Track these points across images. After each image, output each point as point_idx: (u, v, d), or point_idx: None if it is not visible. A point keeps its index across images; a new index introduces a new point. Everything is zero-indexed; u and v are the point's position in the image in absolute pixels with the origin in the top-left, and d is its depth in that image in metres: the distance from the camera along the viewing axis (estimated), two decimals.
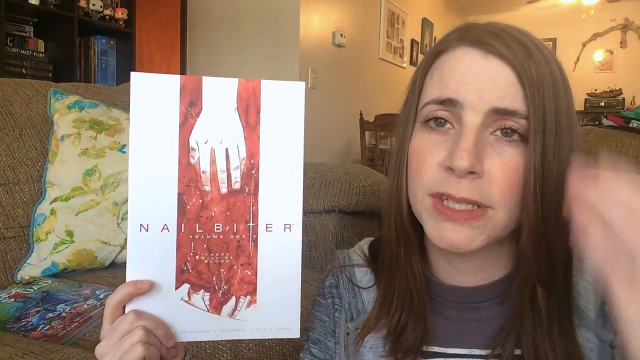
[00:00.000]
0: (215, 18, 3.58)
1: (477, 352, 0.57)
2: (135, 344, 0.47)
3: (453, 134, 0.52)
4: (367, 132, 3.82)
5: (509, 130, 0.51)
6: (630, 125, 1.74)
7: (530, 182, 0.50)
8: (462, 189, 0.49)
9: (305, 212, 1.24)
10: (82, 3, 2.83)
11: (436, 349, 0.58)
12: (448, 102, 0.52)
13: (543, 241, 0.52)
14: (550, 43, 6.81)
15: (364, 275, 0.65)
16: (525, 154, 0.51)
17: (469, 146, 0.49)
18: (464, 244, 0.51)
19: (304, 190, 0.52)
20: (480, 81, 0.51)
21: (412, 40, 5.27)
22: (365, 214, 1.29)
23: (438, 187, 0.51)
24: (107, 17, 2.99)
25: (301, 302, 0.54)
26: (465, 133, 0.50)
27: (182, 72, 3.56)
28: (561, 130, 0.52)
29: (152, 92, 0.50)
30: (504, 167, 0.50)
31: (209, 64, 3.61)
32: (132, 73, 0.49)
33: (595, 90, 6.49)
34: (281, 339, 0.91)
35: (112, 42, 3.05)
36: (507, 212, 0.51)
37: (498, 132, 0.51)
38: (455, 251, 0.52)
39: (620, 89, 6.33)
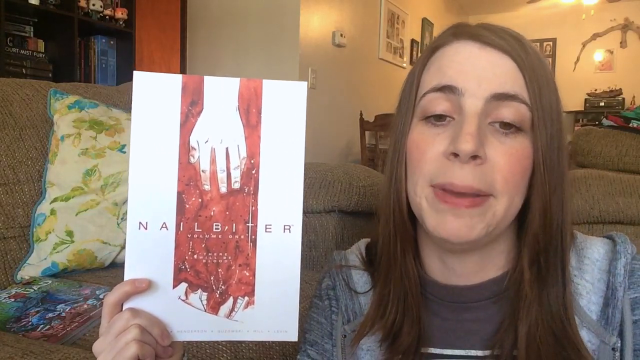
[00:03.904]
0: (215, 18, 3.58)
1: (473, 352, 0.57)
2: (129, 342, 0.47)
3: (453, 124, 0.52)
4: (367, 132, 3.82)
5: (507, 124, 0.51)
6: (630, 125, 1.73)
7: (540, 167, 0.51)
8: (466, 177, 0.49)
9: (305, 212, 1.24)
10: (82, 3, 2.83)
11: (432, 351, 0.58)
12: (447, 89, 0.52)
13: (552, 225, 0.53)
14: (550, 43, 6.81)
15: (360, 278, 0.64)
16: (524, 142, 0.51)
17: (472, 130, 0.49)
18: (463, 231, 0.51)
19: (304, 191, 0.52)
20: (479, 69, 0.51)
21: (412, 40, 5.27)
22: (365, 214, 1.29)
23: (440, 178, 0.51)
24: (107, 17, 2.99)
25: (300, 303, 0.53)
26: (467, 118, 0.50)
27: (182, 72, 3.56)
28: (553, 121, 0.53)
29: (154, 91, 0.50)
30: (505, 155, 0.51)
31: (209, 64, 3.61)
32: (134, 72, 0.50)
33: (595, 90, 6.49)
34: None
35: (112, 42, 3.05)
36: (507, 200, 0.51)
37: (497, 125, 0.51)
38: (456, 240, 0.51)
39: (620, 89, 6.32)
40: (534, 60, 0.52)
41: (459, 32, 0.55)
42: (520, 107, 0.51)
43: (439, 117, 0.53)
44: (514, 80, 0.51)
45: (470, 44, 0.53)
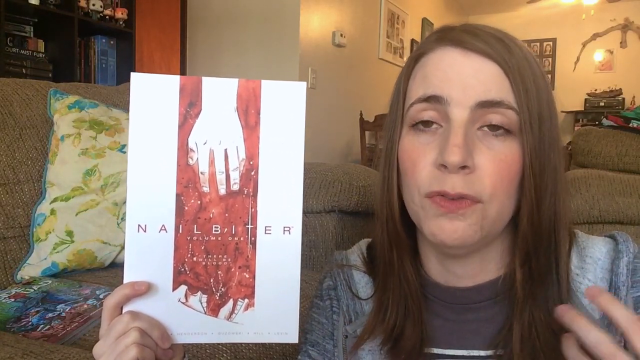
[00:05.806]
0: (215, 18, 3.58)
1: (476, 352, 0.57)
2: (129, 345, 0.47)
3: (441, 132, 0.52)
4: (367, 132, 3.82)
5: (495, 127, 0.51)
6: (630, 125, 1.74)
7: (527, 170, 0.51)
8: (457, 184, 0.50)
9: (305, 212, 1.24)
10: (82, 3, 2.83)
11: (435, 351, 0.58)
12: (433, 99, 0.52)
13: (541, 226, 0.53)
14: (550, 43, 6.81)
15: (362, 278, 0.65)
16: (513, 146, 0.51)
17: (458, 141, 0.50)
18: (459, 234, 0.51)
19: (303, 192, 0.51)
20: (463, 76, 0.51)
21: (412, 40, 5.26)
22: (365, 214, 1.29)
23: (433, 186, 0.51)
24: (107, 17, 2.99)
25: (301, 304, 0.53)
26: (454, 129, 0.51)
27: (182, 72, 3.56)
28: (544, 121, 0.52)
29: (152, 92, 0.50)
30: (494, 160, 0.51)
31: (209, 64, 3.61)
32: (132, 74, 0.49)
33: (595, 90, 6.48)
34: None
35: (112, 42, 3.05)
36: (498, 205, 0.51)
37: (485, 128, 0.51)
38: (453, 244, 0.52)
39: (620, 89, 6.32)
40: (519, 61, 0.52)
41: (442, 38, 0.54)
42: (507, 112, 0.51)
43: (427, 123, 0.53)
44: (499, 86, 0.51)
45: (453, 51, 0.53)
